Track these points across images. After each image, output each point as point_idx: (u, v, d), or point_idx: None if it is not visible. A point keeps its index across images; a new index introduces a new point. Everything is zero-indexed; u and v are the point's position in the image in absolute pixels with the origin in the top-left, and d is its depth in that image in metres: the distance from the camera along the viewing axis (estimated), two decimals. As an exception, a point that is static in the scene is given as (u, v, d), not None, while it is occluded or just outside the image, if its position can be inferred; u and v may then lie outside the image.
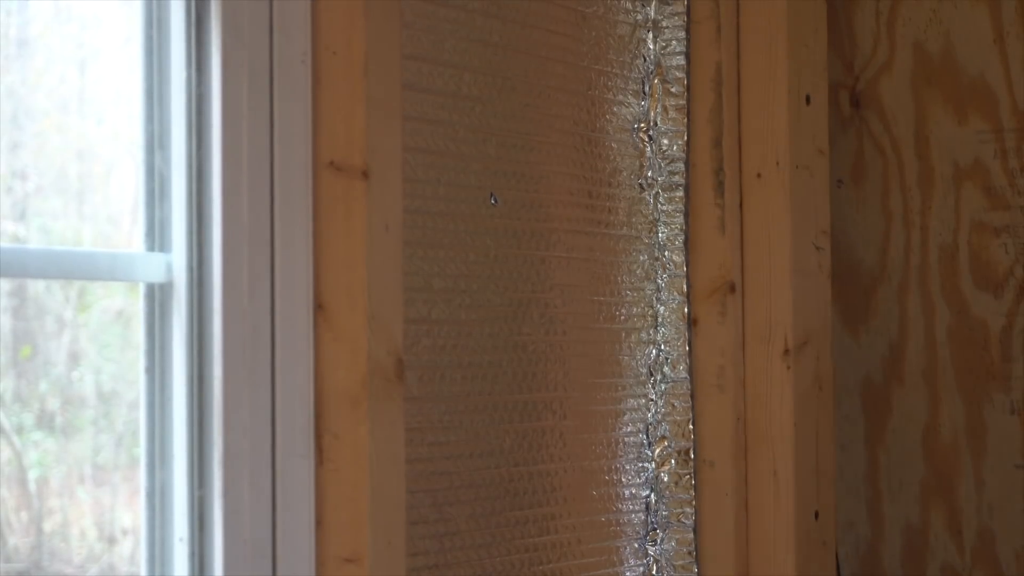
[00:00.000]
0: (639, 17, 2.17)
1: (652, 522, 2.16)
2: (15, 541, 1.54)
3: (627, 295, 2.14)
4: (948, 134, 2.34)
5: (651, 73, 2.19)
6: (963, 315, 2.32)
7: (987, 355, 2.31)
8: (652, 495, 2.16)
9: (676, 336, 2.18)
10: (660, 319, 2.18)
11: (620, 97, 2.14)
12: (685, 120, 2.19)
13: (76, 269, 1.58)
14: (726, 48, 2.20)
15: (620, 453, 2.12)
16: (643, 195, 2.17)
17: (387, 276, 1.70)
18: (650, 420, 2.17)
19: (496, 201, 1.93)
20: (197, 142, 1.62)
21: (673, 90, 2.18)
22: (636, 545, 2.14)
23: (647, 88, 2.18)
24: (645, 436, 2.16)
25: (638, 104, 2.17)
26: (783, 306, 2.19)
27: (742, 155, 2.22)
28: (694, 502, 2.17)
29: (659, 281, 2.18)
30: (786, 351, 2.19)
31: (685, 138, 2.18)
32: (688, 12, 2.19)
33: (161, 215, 1.62)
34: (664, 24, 2.19)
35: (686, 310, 2.18)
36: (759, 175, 2.21)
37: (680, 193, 2.18)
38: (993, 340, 2.31)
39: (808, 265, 2.23)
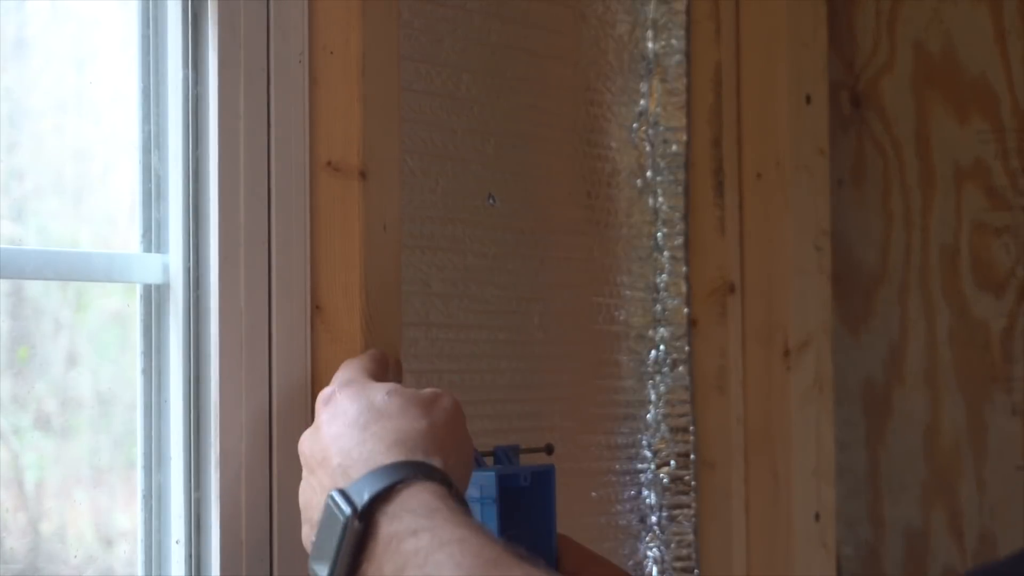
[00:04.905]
0: (638, 16, 2.17)
1: (652, 524, 2.16)
2: (12, 543, 1.53)
3: (626, 295, 2.13)
4: (949, 134, 2.33)
5: (650, 72, 2.18)
6: (964, 316, 2.32)
7: (988, 356, 2.31)
8: (652, 496, 2.16)
9: (676, 337, 2.17)
10: (659, 320, 2.17)
11: (619, 97, 2.13)
12: (684, 120, 2.18)
13: (73, 270, 1.57)
14: (726, 48, 2.20)
15: (619, 455, 2.11)
16: (642, 195, 2.16)
17: (385, 277, 1.70)
18: (650, 421, 2.16)
19: (494, 201, 1.93)
20: (193, 142, 1.61)
21: (672, 89, 2.18)
22: (636, 547, 2.14)
23: (646, 88, 2.18)
24: (645, 437, 2.16)
25: (637, 104, 2.17)
26: (783, 307, 2.19)
27: (742, 155, 2.21)
28: (694, 504, 2.16)
29: (658, 282, 2.17)
30: (786, 352, 2.18)
31: (684, 138, 2.18)
32: (688, 11, 2.19)
33: (157, 216, 1.62)
34: (663, 23, 2.18)
35: (685, 311, 2.17)
36: (759, 175, 2.20)
37: (679, 193, 2.18)
38: (994, 341, 2.31)
39: (808, 265, 2.22)
